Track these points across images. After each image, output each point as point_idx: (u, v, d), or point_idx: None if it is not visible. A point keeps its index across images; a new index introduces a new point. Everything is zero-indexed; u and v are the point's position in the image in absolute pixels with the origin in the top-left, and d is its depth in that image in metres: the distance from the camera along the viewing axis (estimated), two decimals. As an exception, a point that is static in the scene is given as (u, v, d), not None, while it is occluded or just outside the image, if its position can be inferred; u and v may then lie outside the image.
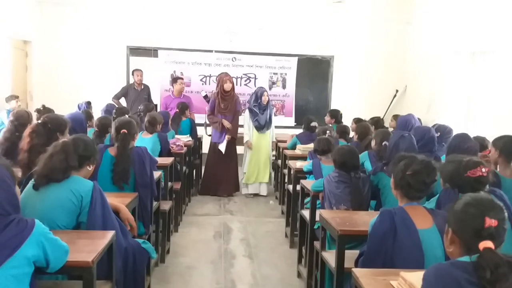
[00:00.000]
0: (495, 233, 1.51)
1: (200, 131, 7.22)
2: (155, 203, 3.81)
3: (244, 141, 6.70)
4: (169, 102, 7.18)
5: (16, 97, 6.83)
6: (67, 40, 8.35)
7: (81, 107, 5.94)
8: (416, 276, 1.78)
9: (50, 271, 1.99)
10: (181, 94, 7.31)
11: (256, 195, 6.76)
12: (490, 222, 1.51)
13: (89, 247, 2.20)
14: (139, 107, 6.17)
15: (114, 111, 5.54)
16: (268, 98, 6.63)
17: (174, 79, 7.46)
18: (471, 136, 3.77)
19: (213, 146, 6.66)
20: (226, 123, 6.51)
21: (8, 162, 2.05)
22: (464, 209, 1.59)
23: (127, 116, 4.58)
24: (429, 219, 2.24)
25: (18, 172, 2.96)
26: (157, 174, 3.88)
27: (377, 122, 6.11)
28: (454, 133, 4.20)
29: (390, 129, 5.78)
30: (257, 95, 6.58)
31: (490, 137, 3.58)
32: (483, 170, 2.43)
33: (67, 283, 2.36)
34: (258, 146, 6.66)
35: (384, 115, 8.31)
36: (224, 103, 6.52)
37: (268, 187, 6.85)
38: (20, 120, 3.86)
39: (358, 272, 2.09)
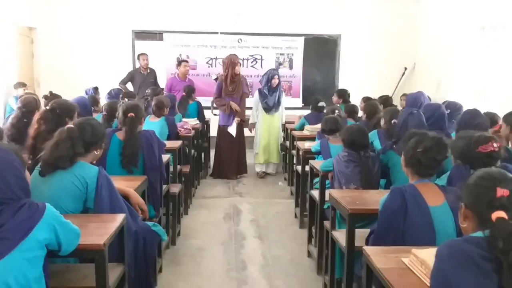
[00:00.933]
0: (508, 203, 1.50)
1: (208, 114, 7.20)
2: (164, 186, 3.83)
3: (250, 122, 6.74)
4: (174, 84, 7.21)
5: (24, 84, 6.84)
6: (72, 25, 8.32)
7: (88, 92, 5.94)
8: (428, 253, 1.77)
9: (62, 254, 2.00)
10: (186, 77, 7.33)
11: (266, 174, 6.84)
12: (502, 192, 1.50)
13: (100, 230, 2.21)
14: (146, 91, 6.17)
15: (121, 95, 5.53)
16: (279, 81, 6.61)
17: (179, 62, 7.47)
18: (482, 112, 3.72)
19: (222, 129, 6.65)
20: (235, 106, 6.48)
21: (18, 147, 2.05)
22: (477, 182, 1.59)
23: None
24: (441, 196, 2.23)
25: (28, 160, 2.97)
26: (165, 157, 3.89)
27: (386, 100, 6.05)
28: (464, 109, 4.14)
29: (400, 108, 5.72)
30: (268, 78, 6.58)
31: (501, 113, 3.53)
32: (495, 145, 2.40)
33: (79, 266, 2.39)
34: (268, 128, 6.69)
35: (393, 94, 8.23)
36: (233, 85, 6.49)
37: (277, 167, 6.91)
38: (28, 107, 3.86)
39: (369, 250, 2.08)
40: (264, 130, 6.70)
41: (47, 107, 3.33)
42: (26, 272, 1.78)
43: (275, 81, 6.55)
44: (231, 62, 6.44)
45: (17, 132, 3.59)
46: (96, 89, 6.14)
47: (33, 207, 1.86)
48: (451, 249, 1.48)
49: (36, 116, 3.32)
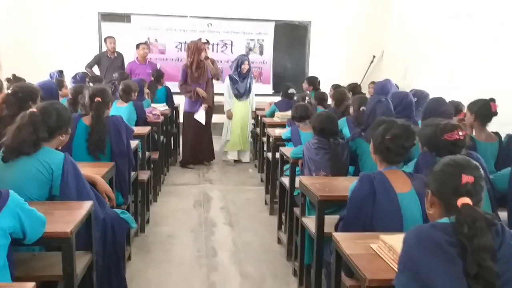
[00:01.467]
0: (472, 190, 1.55)
1: (177, 99, 7.09)
2: (133, 173, 3.77)
3: (225, 109, 6.67)
4: (134, 68, 7.05)
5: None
6: (36, 6, 8.00)
7: (53, 76, 5.75)
8: (395, 239, 1.81)
9: (27, 243, 1.95)
10: (146, 60, 7.20)
11: (237, 161, 6.80)
12: (467, 178, 1.54)
13: (66, 218, 2.15)
14: (114, 75, 6.02)
15: (87, 79, 5.38)
16: (249, 67, 6.56)
17: (137, 45, 7.30)
18: (447, 100, 3.81)
19: (188, 116, 6.50)
20: (202, 92, 6.36)
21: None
22: (443, 169, 1.63)
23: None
24: (408, 183, 2.27)
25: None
26: (134, 143, 3.82)
27: (354, 88, 6.13)
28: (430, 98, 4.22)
29: (368, 96, 5.80)
30: (238, 63, 6.51)
31: (466, 102, 3.62)
32: (460, 133, 2.47)
33: (46, 255, 2.33)
34: (238, 114, 6.64)
35: (362, 81, 8.33)
36: (198, 71, 6.36)
37: (248, 155, 6.90)
38: (-12, 89, 3.71)
39: (339, 236, 2.11)
40: (235, 116, 6.65)
41: (9, 91, 3.21)
42: (-11, 261, 1.73)
43: (245, 67, 6.50)
44: (196, 48, 6.28)
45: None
46: (61, 72, 5.95)
47: (-5, 195, 1.80)
48: (419, 235, 1.51)
49: (-3, 101, 3.20)
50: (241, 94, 6.57)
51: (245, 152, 6.89)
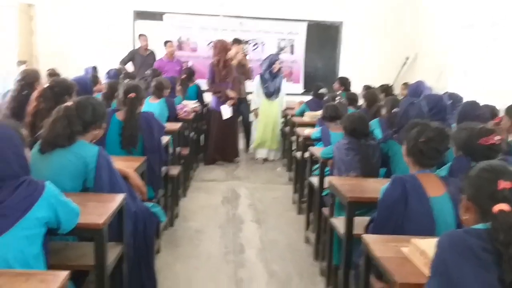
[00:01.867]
0: (510, 196, 1.49)
1: (207, 97, 7.15)
2: (163, 168, 3.82)
3: (251, 108, 6.69)
4: (162, 66, 7.13)
5: (25, 62, 6.79)
6: (72, 2, 8.20)
7: (88, 71, 5.89)
8: (428, 243, 1.77)
9: (61, 233, 2.00)
10: (174, 57, 7.26)
11: (265, 160, 6.81)
12: (504, 184, 1.49)
13: (99, 210, 2.20)
14: (146, 72, 6.13)
15: (121, 76, 5.49)
16: (280, 67, 6.56)
17: (164, 42, 7.37)
18: (481, 104, 3.71)
19: (214, 113, 6.53)
20: (232, 93, 6.39)
21: (17, 124, 2.04)
22: (479, 174, 1.58)
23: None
24: (441, 186, 2.22)
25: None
26: (165, 139, 3.88)
27: (386, 89, 6.04)
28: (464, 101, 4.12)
29: (401, 97, 5.70)
30: (270, 63, 6.52)
31: (501, 106, 3.52)
32: (496, 138, 2.40)
33: (79, 245, 2.39)
34: (268, 113, 6.65)
35: (394, 83, 8.19)
36: (225, 70, 6.38)
37: (276, 154, 6.89)
38: (26, 79, 3.81)
39: (369, 238, 2.08)
40: (264, 115, 6.66)
41: (46, 85, 3.31)
42: (24, 249, 1.78)
43: (276, 66, 6.50)
44: (223, 47, 6.32)
45: (18, 105, 3.56)
46: (95, 68, 6.10)
47: (32, 185, 1.85)
48: (453, 239, 1.48)
49: (35, 94, 3.30)
50: (271, 93, 6.59)
51: (274, 150, 6.89)
